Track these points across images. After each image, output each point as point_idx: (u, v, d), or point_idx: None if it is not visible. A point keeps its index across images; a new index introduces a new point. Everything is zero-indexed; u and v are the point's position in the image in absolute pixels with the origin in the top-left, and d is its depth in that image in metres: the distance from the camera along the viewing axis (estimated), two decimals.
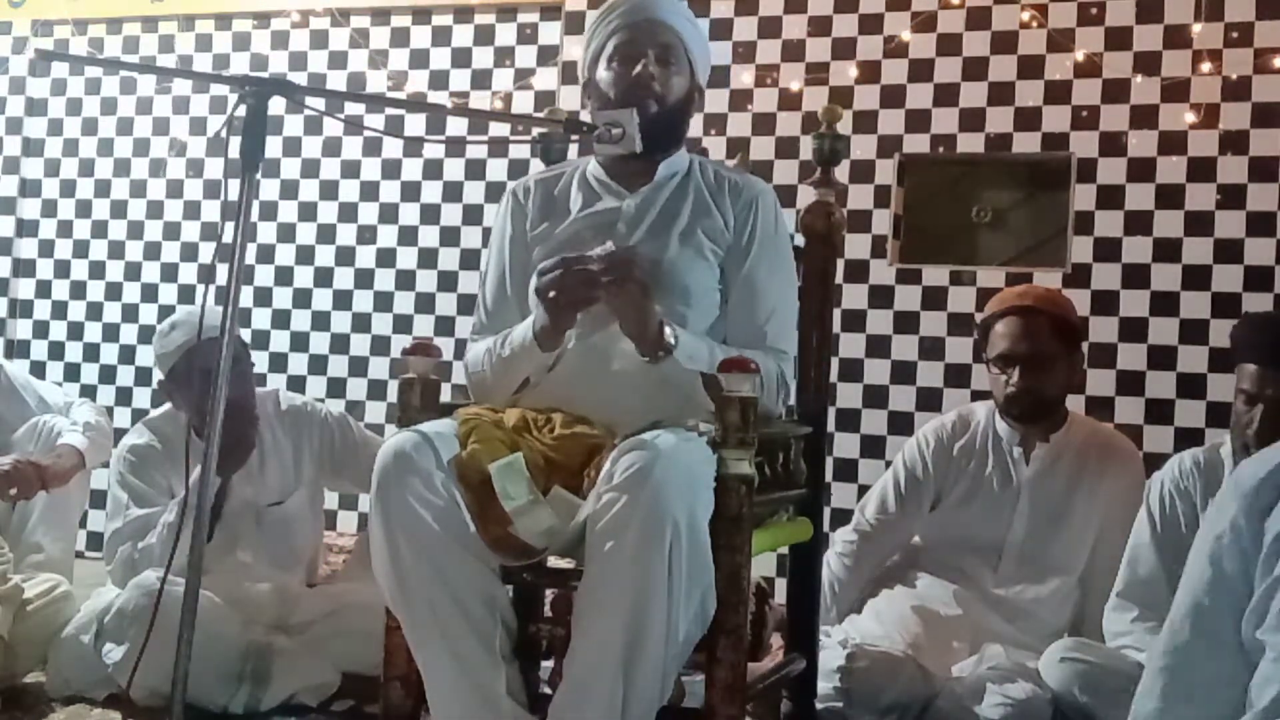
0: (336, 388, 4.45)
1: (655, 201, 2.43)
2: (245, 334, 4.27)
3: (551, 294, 2.19)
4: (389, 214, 4.45)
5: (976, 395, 3.62)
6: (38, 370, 4.65)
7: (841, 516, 3.32)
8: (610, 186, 2.46)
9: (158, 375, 3.17)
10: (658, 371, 2.27)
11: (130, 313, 4.73)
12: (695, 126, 3.89)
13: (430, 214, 4.40)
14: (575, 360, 2.34)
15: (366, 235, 4.47)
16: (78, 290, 4.80)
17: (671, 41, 2.43)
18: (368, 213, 4.48)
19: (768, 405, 2.31)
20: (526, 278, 2.41)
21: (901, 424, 3.82)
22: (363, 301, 4.47)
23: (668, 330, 2.22)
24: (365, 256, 4.47)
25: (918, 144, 3.90)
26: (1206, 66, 3.64)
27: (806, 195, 2.85)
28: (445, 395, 2.43)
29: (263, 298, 4.56)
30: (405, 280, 4.42)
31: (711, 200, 2.45)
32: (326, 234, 4.52)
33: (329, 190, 4.53)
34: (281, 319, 4.54)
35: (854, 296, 3.90)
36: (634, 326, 2.21)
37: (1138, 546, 2.77)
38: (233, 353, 2.58)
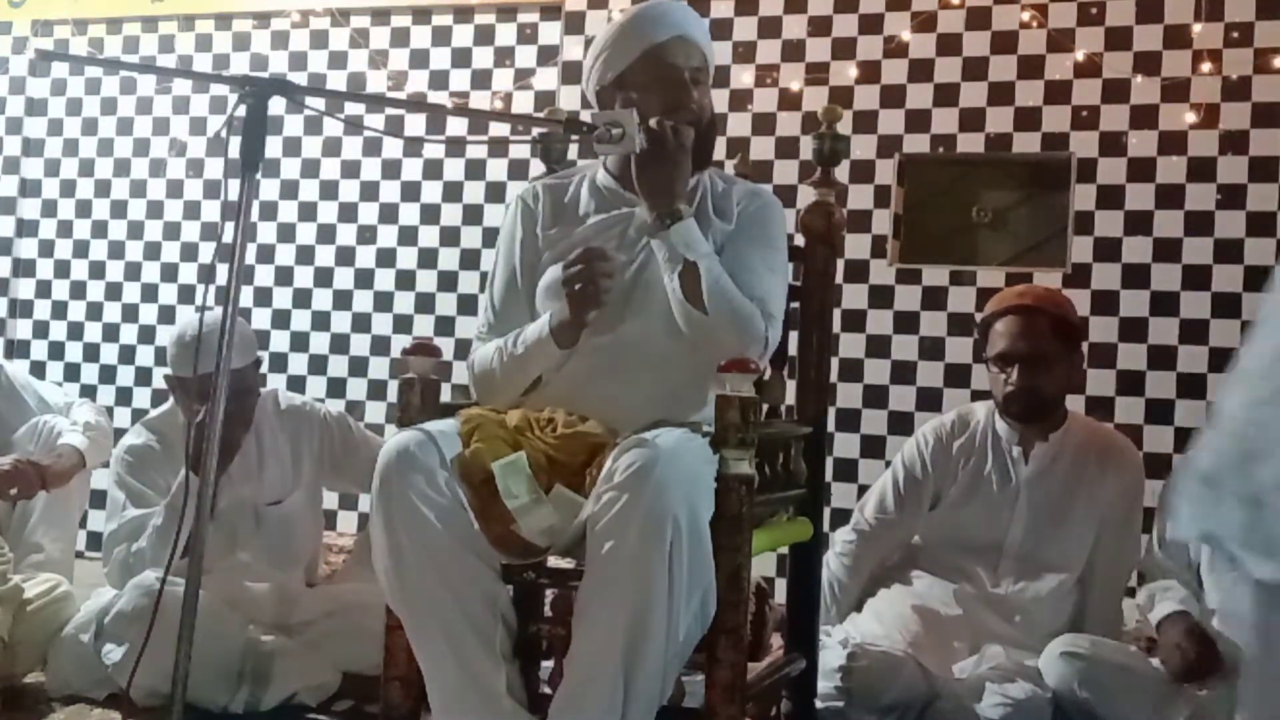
0: (336, 388, 4.45)
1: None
2: None
3: (578, 286, 2.23)
4: (389, 214, 4.45)
5: (976, 395, 3.62)
6: (38, 370, 4.65)
7: (841, 516, 3.32)
8: (623, 196, 2.45)
9: (161, 372, 3.15)
10: (659, 372, 2.29)
11: (130, 313, 4.73)
12: None
13: (430, 214, 4.40)
14: (577, 361, 2.35)
15: (366, 235, 4.47)
16: (78, 290, 4.80)
17: (702, 63, 2.45)
18: (368, 213, 4.48)
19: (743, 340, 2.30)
20: (536, 279, 2.43)
21: (901, 424, 3.82)
22: (363, 301, 4.47)
23: (681, 206, 2.30)
24: (365, 256, 4.47)
25: (918, 144, 3.90)
26: (1206, 66, 3.64)
27: (806, 195, 2.86)
28: (445, 395, 2.43)
29: (263, 298, 4.56)
30: (405, 280, 4.42)
31: (716, 205, 2.46)
32: (326, 234, 4.52)
33: (329, 190, 4.53)
34: (281, 319, 4.54)
35: (854, 296, 3.90)
36: (651, 184, 2.30)
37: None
38: (246, 385, 2.60)
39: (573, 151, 2.85)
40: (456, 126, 4.37)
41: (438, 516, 2.09)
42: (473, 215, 4.34)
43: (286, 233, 4.56)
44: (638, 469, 2.00)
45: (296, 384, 4.43)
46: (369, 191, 4.48)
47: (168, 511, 2.93)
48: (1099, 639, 2.73)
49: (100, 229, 4.78)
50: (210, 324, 2.77)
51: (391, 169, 4.46)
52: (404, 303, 4.42)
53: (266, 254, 4.55)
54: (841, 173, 2.86)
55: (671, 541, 1.97)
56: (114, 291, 4.76)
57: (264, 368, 4.41)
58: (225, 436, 2.81)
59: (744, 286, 2.35)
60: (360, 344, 4.46)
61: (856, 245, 3.89)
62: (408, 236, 4.42)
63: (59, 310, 4.82)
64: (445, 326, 4.34)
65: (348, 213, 4.50)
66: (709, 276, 2.27)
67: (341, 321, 4.49)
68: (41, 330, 4.83)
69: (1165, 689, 2.57)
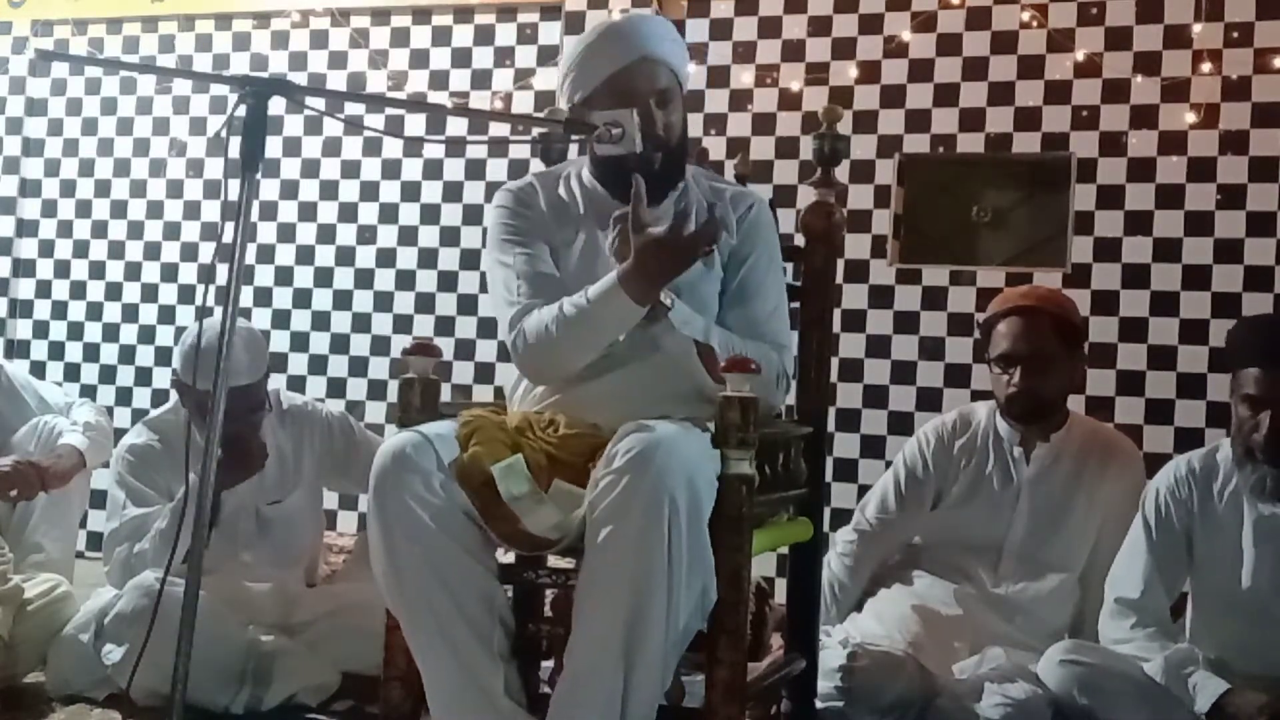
0: (336, 388, 4.45)
1: (663, 220, 2.40)
2: None
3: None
4: (389, 214, 4.45)
5: (976, 395, 3.62)
6: (38, 370, 4.65)
7: (841, 516, 3.32)
8: (610, 201, 2.39)
9: (161, 371, 3.13)
10: (661, 370, 2.29)
11: (130, 313, 4.73)
12: (695, 126, 3.91)
13: (430, 214, 4.40)
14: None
15: (366, 235, 4.47)
16: (78, 290, 4.80)
17: (668, 83, 2.37)
18: (368, 213, 4.48)
19: (769, 397, 2.32)
20: (557, 256, 2.38)
21: (901, 424, 3.82)
22: (363, 301, 4.47)
23: (664, 294, 2.21)
24: (365, 256, 4.47)
25: (918, 144, 3.90)
26: (1206, 66, 3.64)
27: (806, 195, 2.86)
28: (445, 395, 2.43)
29: (263, 298, 4.56)
30: (405, 280, 4.42)
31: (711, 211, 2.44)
32: (326, 234, 4.52)
33: (329, 190, 4.53)
34: (281, 319, 4.54)
35: (854, 296, 3.90)
36: (638, 276, 2.18)
37: (1133, 554, 2.75)
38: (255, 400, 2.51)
39: (573, 152, 2.85)
40: (456, 126, 4.37)
41: (433, 518, 2.09)
42: (473, 215, 4.34)
43: (286, 233, 4.56)
44: (638, 453, 2.00)
45: (296, 384, 4.43)
46: (369, 191, 4.48)
47: (171, 515, 2.93)
48: (1099, 646, 2.72)
49: (100, 229, 4.78)
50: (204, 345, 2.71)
51: (391, 169, 4.46)
52: (404, 303, 4.42)
53: (266, 254, 4.55)
54: (841, 173, 2.86)
55: (670, 523, 1.97)
56: (114, 291, 4.76)
57: None
58: (238, 455, 2.84)
59: (759, 317, 2.37)
60: (360, 344, 4.46)
61: (856, 245, 3.89)
62: (408, 236, 4.42)
63: (59, 310, 4.82)
64: (445, 326, 4.34)
65: (348, 213, 4.50)
66: (723, 350, 2.25)
67: (341, 321, 4.49)
68: (41, 330, 4.83)
69: (1167, 697, 2.56)
